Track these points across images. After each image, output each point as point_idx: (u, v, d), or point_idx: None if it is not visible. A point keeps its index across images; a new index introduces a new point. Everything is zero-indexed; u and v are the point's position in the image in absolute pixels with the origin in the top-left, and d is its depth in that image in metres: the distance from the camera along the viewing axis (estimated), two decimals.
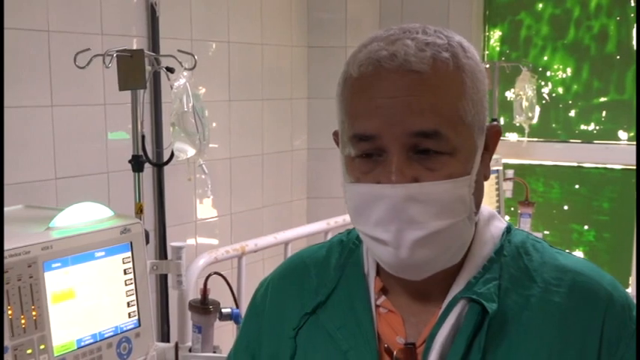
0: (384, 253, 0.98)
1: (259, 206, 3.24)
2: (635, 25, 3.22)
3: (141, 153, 2.07)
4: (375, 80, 0.95)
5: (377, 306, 1.05)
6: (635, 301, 1.02)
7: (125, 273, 1.74)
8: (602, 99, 3.32)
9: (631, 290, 3.21)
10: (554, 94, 3.43)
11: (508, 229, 1.07)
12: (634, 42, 3.24)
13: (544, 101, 3.43)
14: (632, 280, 3.20)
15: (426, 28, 0.98)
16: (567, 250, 1.09)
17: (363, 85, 0.96)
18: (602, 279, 1.02)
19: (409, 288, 1.04)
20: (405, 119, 0.94)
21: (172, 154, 2.07)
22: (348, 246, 1.13)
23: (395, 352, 1.00)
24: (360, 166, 0.98)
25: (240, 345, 1.20)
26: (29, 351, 1.51)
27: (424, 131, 0.94)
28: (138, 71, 1.95)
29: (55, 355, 1.57)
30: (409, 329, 1.03)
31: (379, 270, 1.07)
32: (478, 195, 1.00)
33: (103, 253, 1.69)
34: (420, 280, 1.01)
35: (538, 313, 0.98)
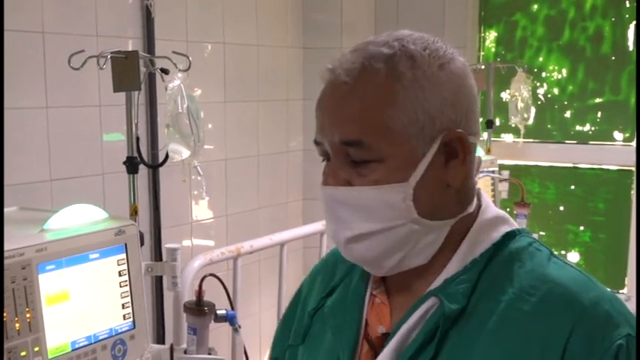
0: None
1: (255, 207, 3.24)
2: (630, 26, 3.23)
3: (135, 154, 2.07)
4: (321, 93, 1.04)
5: (374, 295, 1.10)
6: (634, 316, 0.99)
7: (120, 275, 1.74)
8: (598, 100, 3.33)
9: (626, 290, 3.21)
10: (549, 95, 3.43)
11: (513, 234, 1.07)
12: (629, 43, 3.24)
13: (539, 102, 3.44)
14: (628, 280, 3.20)
15: (387, 38, 1.03)
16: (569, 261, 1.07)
17: (320, 94, 1.04)
18: (585, 293, 0.97)
19: (397, 280, 1.08)
20: (333, 129, 1.01)
21: (167, 156, 2.07)
22: None
23: (373, 340, 1.06)
24: (322, 168, 1.06)
25: (283, 320, 1.30)
26: (23, 353, 1.51)
27: (347, 140, 0.99)
28: (132, 73, 1.95)
29: (50, 357, 1.56)
30: (394, 320, 1.06)
31: None
32: (428, 202, 1.01)
33: (97, 255, 1.68)
34: (403, 275, 1.05)
35: (503, 319, 0.97)
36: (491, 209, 1.08)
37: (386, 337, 1.04)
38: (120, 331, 1.73)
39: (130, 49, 2.49)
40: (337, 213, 1.02)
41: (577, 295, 0.97)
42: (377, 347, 1.04)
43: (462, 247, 1.04)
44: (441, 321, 0.98)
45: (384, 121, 0.98)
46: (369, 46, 1.01)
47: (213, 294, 2.05)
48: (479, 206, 1.08)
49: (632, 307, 1.23)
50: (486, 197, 1.12)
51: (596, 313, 0.95)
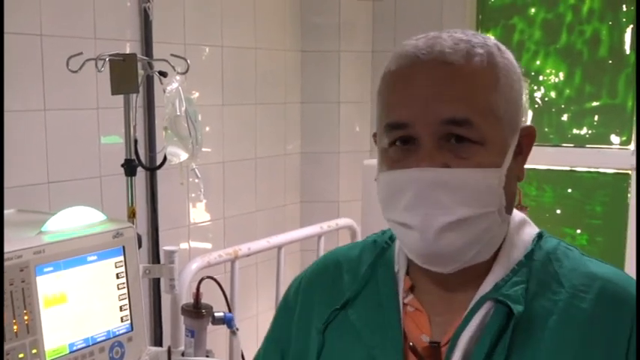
0: (411, 240, 1.00)
1: (252, 210, 3.24)
2: (627, 30, 3.23)
3: (133, 157, 2.07)
4: (411, 71, 1.00)
5: (404, 304, 1.07)
6: None
7: (117, 277, 1.74)
8: (595, 103, 3.33)
9: None
10: (546, 99, 3.44)
11: (540, 235, 1.08)
12: (626, 46, 3.25)
13: (536, 105, 3.44)
14: None
15: (465, 30, 1.03)
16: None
17: (399, 77, 1.01)
18: (632, 287, 1.01)
19: (437, 286, 1.05)
20: (437, 107, 0.97)
21: (165, 158, 2.07)
22: (380, 245, 1.16)
23: (420, 351, 1.01)
24: (393, 154, 1.01)
25: (270, 339, 1.24)
26: (21, 355, 1.51)
27: (455, 119, 0.96)
28: (130, 75, 1.96)
29: (48, 359, 1.57)
30: (435, 328, 1.04)
31: (409, 269, 1.09)
32: (510, 192, 1.01)
33: (95, 258, 1.69)
34: (447, 278, 1.02)
35: (564, 318, 0.98)
36: (515, 212, 1.08)
37: (434, 346, 1.01)
38: (118, 333, 1.73)
39: (127, 51, 2.50)
40: (435, 196, 0.96)
41: (627, 289, 1.00)
42: (425, 357, 1.01)
43: (505, 250, 1.04)
44: (511, 324, 0.97)
45: (489, 105, 0.98)
46: (453, 33, 1.01)
47: (211, 296, 2.06)
48: None
49: None
50: None
51: None
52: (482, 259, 1.02)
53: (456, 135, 0.97)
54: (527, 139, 1.04)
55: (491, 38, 1.03)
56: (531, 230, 1.09)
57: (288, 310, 1.21)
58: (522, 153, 1.04)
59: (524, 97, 3.18)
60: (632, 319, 0.97)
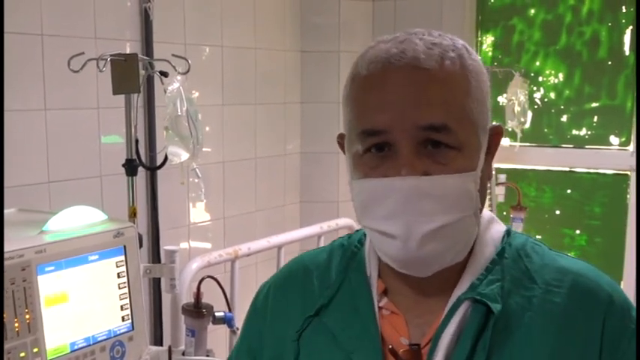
0: (392, 248, 0.99)
1: (252, 210, 3.24)
2: (626, 31, 3.24)
3: (135, 157, 2.08)
4: (385, 77, 0.97)
5: (379, 308, 1.06)
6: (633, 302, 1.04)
7: (118, 277, 1.74)
8: (594, 104, 3.34)
9: None
10: (546, 100, 3.44)
11: (508, 232, 1.09)
12: (625, 48, 3.25)
13: (536, 106, 3.45)
14: (624, 284, 3.21)
15: (431, 31, 1.02)
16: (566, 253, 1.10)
17: (372, 82, 0.98)
18: (602, 280, 1.03)
19: (412, 288, 1.05)
20: (415, 113, 0.95)
21: (166, 158, 2.07)
22: (349, 249, 1.14)
23: (400, 353, 1.01)
24: (368, 161, 1.00)
25: (241, 348, 1.21)
26: (22, 354, 1.51)
27: (434, 124, 0.96)
28: (132, 75, 1.96)
29: (49, 358, 1.57)
30: (412, 330, 1.04)
31: (381, 272, 1.08)
32: (482, 193, 1.03)
33: (96, 257, 1.69)
34: (422, 280, 1.02)
35: (540, 313, 0.99)
36: (483, 211, 1.08)
37: (414, 349, 1.01)
38: (118, 332, 1.74)
39: (128, 51, 2.50)
40: (417, 205, 0.96)
41: (598, 283, 1.02)
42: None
43: (477, 249, 1.04)
44: (491, 323, 0.98)
45: (464, 110, 0.98)
46: (423, 36, 1.00)
47: (211, 296, 2.06)
48: None
49: None
50: None
51: (618, 297, 1.01)
52: (459, 260, 1.02)
53: (433, 141, 0.96)
54: (496, 138, 1.05)
55: (458, 40, 1.02)
56: (499, 228, 1.09)
57: (258, 318, 1.19)
58: (491, 152, 1.05)
59: (524, 98, 3.16)
60: (604, 313, 0.99)
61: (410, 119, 0.95)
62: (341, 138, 1.07)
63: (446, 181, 0.96)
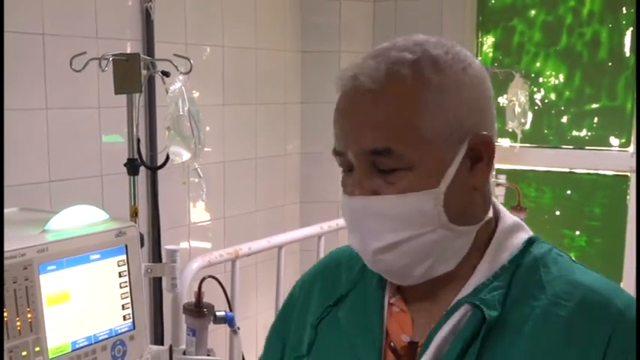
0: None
1: (252, 210, 3.24)
2: (627, 32, 3.24)
3: (136, 156, 2.08)
4: (342, 100, 1.02)
5: (391, 304, 1.09)
6: None
7: (120, 276, 1.74)
8: (594, 105, 3.34)
9: None
10: (546, 100, 3.45)
11: (531, 240, 1.07)
12: (626, 49, 3.26)
13: (536, 107, 3.45)
14: (623, 285, 3.22)
15: (406, 43, 1.02)
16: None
17: (337, 104, 1.03)
18: (617, 298, 0.99)
19: (420, 289, 1.06)
20: (360, 138, 0.99)
21: (167, 158, 2.07)
22: None
23: (398, 349, 1.03)
24: (343, 179, 1.05)
25: (273, 332, 1.28)
26: (24, 353, 1.51)
27: (376, 149, 0.98)
28: (134, 75, 1.96)
29: (50, 357, 1.57)
30: (417, 329, 1.05)
31: None
32: (460, 205, 1.01)
33: (98, 256, 1.69)
34: (428, 283, 1.04)
35: (541, 324, 0.98)
36: (508, 216, 1.09)
37: (412, 346, 1.02)
38: (120, 331, 1.74)
39: (129, 51, 2.50)
40: (366, 224, 1.01)
41: (611, 299, 0.98)
42: (403, 356, 1.02)
43: (489, 253, 1.04)
44: (483, 329, 0.98)
45: (413, 128, 0.97)
46: (390, 52, 1.00)
47: (211, 296, 2.06)
48: (496, 213, 1.08)
49: None
50: (499, 204, 1.12)
51: (631, 315, 0.97)
52: (446, 269, 1.03)
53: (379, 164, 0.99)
54: (485, 146, 1.02)
55: (432, 51, 1.00)
56: (522, 235, 1.08)
57: (291, 304, 1.25)
58: (482, 160, 1.02)
59: (524, 99, 3.15)
60: (612, 328, 0.95)
61: (357, 144, 0.99)
62: None
63: (393, 201, 0.99)
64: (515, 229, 1.08)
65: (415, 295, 1.07)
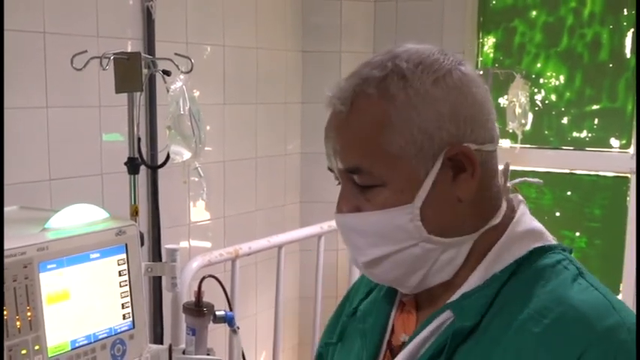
0: None
1: (252, 210, 3.24)
2: (627, 34, 3.24)
3: (137, 155, 2.08)
4: (327, 121, 1.07)
5: (403, 303, 1.11)
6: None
7: (120, 275, 1.74)
8: (595, 106, 3.34)
9: (621, 296, 3.22)
10: (546, 101, 3.45)
11: (542, 250, 1.03)
12: (627, 50, 3.26)
13: (537, 108, 3.45)
14: (623, 286, 3.22)
15: (384, 57, 1.03)
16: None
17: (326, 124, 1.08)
18: (601, 320, 0.92)
19: (426, 292, 1.07)
20: (336, 157, 1.04)
21: (168, 157, 2.07)
22: None
23: (394, 347, 1.07)
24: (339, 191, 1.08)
25: (333, 316, 1.31)
26: (24, 351, 1.51)
27: (347, 168, 1.02)
28: (135, 74, 1.96)
29: (50, 355, 1.57)
30: (419, 329, 1.06)
31: None
32: (438, 219, 1.00)
33: (98, 255, 1.69)
34: (430, 287, 1.06)
35: (515, 339, 0.95)
36: (524, 222, 1.05)
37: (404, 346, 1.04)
38: (119, 330, 1.73)
39: (130, 50, 2.50)
40: (351, 239, 1.05)
41: (591, 321, 0.92)
42: (395, 355, 1.04)
43: (484, 262, 1.03)
44: (449, 337, 0.98)
45: (379, 146, 0.98)
46: (364, 69, 1.03)
47: (211, 295, 2.06)
48: (511, 217, 1.05)
49: None
50: (524, 208, 1.08)
51: (610, 341, 0.90)
52: (442, 279, 1.03)
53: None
54: (465, 157, 0.99)
55: (400, 66, 0.99)
56: (530, 244, 1.03)
57: (348, 293, 1.30)
58: (465, 171, 1.00)
59: (524, 100, 3.15)
60: (583, 351, 0.90)
61: (334, 162, 1.04)
62: None
63: (369, 218, 1.01)
64: (527, 237, 1.04)
65: (422, 297, 1.08)
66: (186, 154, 2.00)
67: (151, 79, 2.56)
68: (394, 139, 0.98)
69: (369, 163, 0.99)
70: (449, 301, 1.03)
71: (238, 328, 2.04)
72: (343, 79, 1.04)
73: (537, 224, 1.07)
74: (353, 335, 1.16)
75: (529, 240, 1.03)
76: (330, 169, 1.07)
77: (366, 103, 0.99)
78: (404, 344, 1.04)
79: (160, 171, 2.60)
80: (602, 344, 0.90)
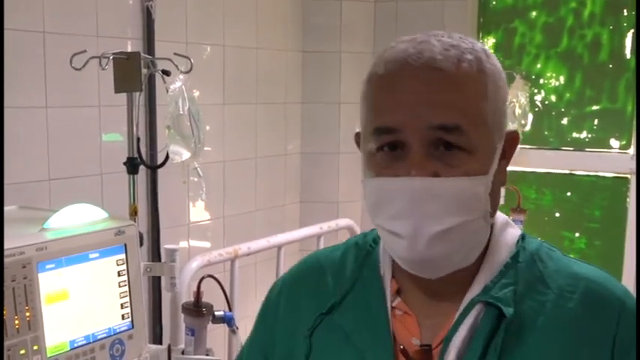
0: (400, 248, 0.99)
1: (252, 210, 3.24)
2: (627, 34, 3.24)
3: (136, 155, 2.08)
4: (401, 76, 0.98)
5: (392, 307, 1.07)
6: None
7: (119, 275, 1.74)
8: (595, 107, 3.34)
9: None
10: (546, 102, 3.45)
11: (522, 237, 1.09)
12: (627, 51, 3.26)
13: (537, 109, 3.45)
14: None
15: (451, 33, 1.02)
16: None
17: (388, 81, 0.99)
18: (615, 287, 1.03)
19: (424, 289, 1.05)
20: (428, 113, 0.96)
21: (167, 157, 2.07)
22: (364, 248, 1.15)
23: (411, 354, 1.01)
24: (381, 160, 1.00)
25: (253, 343, 1.22)
26: (22, 351, 1.51)
27: (446, 125, 0.95)
28: (134, 74, 1.96)
29: (48, 355, 1.57)
30: (424, 331, 1.04)
31: (395, 272, 1.09)
32: (494, 197, 1.02)
33: (97, 255, 1.69)
34: (435, 282, 1.02)
35: (552, 318, 0.99)
36: (498, 214, 1.08)
37: (426, 350, 1.01)
38: (118, 330, 1.73)
39: (129, 50, 2.50)
40: (425, 206, 0.96)
41: (612, 289, 1.03)
42: None
43: (490, 252, 1.04)
44: (502, 326, 0.98)
45: (479, 112, 0.97)
46: (443, 38, 1.00)
47: (211, 295, 2.06)
48: None
49: None
50: None
51: (631, 304, 1.02)
52: (468, 263, 1.02)
53: (445, 142, 0.96)
54: (511, 143, 1.04)
55: (478, 43, 1.02)
56: (514, 232, 1.09)
57: (270, 314, 1.19)
58: (506, 157, 1.04)
59: (524, 101, 3.17)
60: (618, 318, 0.99)
61: (422, 119, 0.95)
62: (357, 136, 1.08)
63: (454, 183, 0.96)
64: (506, 227, 1.09)
65: (417, 297, 1.06)
66: (186, 154, 1.99)
67: (151, 79, 2.56)
68: (489, 109, 0.98)
69: (469, 126, 0.96)
70: (470, 294, 1.02)
71: (237, 328, 2.05)
72: (428, 40, 0.99)
73: (503, 214, 1.11)
74: (328, 354, 1.07)
75: (510, 229, 1.09)
76: (385, 129, 0.97)
77: (469, 68, 0.97)
78: (424, 347, 1.01)
79: (160, 171, 2.60)
80: (628, 307, 1.01)
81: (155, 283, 2.69)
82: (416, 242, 0.97)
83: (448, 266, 1.00)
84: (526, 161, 3.44)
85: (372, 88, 1.01)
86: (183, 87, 1.97)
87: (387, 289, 1.07)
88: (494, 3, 3.49)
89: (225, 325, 2.03)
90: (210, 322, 1.99)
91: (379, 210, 1.01)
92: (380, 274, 1.10)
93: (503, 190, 3.54)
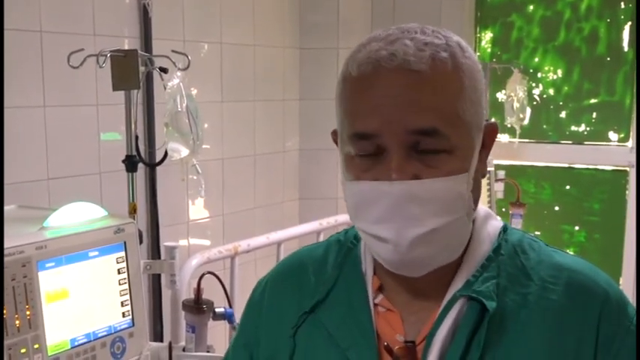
0: (383, 251, 0.99)
1: (251, 207, 3.24)
2: (625, 27, 3.24)
3: (135, 153, 2.07)
4: (375, 80, 0.96)
5: (375, 304, 1.06)
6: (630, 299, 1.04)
7: (119, 273, 1.74)
8: (593, 100, 3.35)
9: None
10: (545, 96, 3.45)
11: (504, 228, 1.08)
12: (624, 44, 3.26)
13: (535, 102, 3.45)
14: (623, 280, 3.22)
15: (424, 28, 0.99)
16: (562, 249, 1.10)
17: (362, 85, 0.97)
18: (598, 277, 1.03)
19: (407, 286, 1.04)
20: (404, 117, 0.94)
21: (166, 154, 2.07)
22: (345, 245, 1.14)
23: (395, 350, 1.00)
24: (360, 164, 0.98)
25: (237, 343, 1.21)
26: (23, 350, 1.51)
27: (423, 129, 0.94)
28: (132, 72, 1.96)
29: (49, 354, 1.57)
30: (408, 327, 1.03)
31: (376, 269, 1.08)
32: (476, 192, 1.01)
33: (96, 253, 1.69)
34: (417, 278, 1.01)
35: (536, 310, 0.99)
36: (479, 206, 1.06)
37: (410, 346, 1.00)
38: (119, 328, 1.73)
39: (126, 48, 2.49)
40: (407, 210, 0.95)
41: (594, 279, 1.02)
42: (401, 357, 1.00)
43: (472, 246, 1.04)
44: (485, 321, 0.97)
45: (456, 112, 0.96)
46: (416, 35, 0.97)
47: (211, 292, 2.06)
48: None
49: None
50: None
51: (614, 293, 1.02)
52: (452, 259, 1.02)
53: (423, 145, 0.95)
54: (491, 135, 1.03)
55: (452, 37, 0.99)
56: (496, 224, 1.08)
57: (254, 313, 1.18)
58: (486, 148, 1.03)
59: (523, 95, 3.17)
60: (600, 310, 0.99)
61: (399, 123, 0.94)
62: (335, 134, 1.06)
63: (436, 184, 0.95)
64: (487, 219, 1.08)
65: (400, 293, 1.05)
66: (184, 152, 1.99)
67: (148, 77, 2.56)
68: (467, 106, 0.97)
69: (447, 127, 0.94)
70: (453, 289, 1.01)
71: (238, 324, 2.04)
72: (400, 40, 0.96)
73: (484, 207, 1.10)
74: (312, 353, 1.07)
75: (491, 221, 1.08)
76: (363, 135, 0.96)
77: (443, 67, 0.95)
78: (408, 343, 1.01)
79: (158, 169, 2.60)
80: (610, 298, 1.01)
81: (155, 281, 2.69)
82: (399, 245, 0.96)
83: (432, 266, 1.00)
84: (525, 155, 3.45)
85: (347, 90, 0.99)
86: (181, 84, 1.97)
87: (369, 287, 1.07)
88: None
89: (226, 321, 2.03)
90: (210, 319, 1.98)
91: (360, 213, 1.00)
92: (362, 271, 1.09)
93: (502, 185, 3.56)
